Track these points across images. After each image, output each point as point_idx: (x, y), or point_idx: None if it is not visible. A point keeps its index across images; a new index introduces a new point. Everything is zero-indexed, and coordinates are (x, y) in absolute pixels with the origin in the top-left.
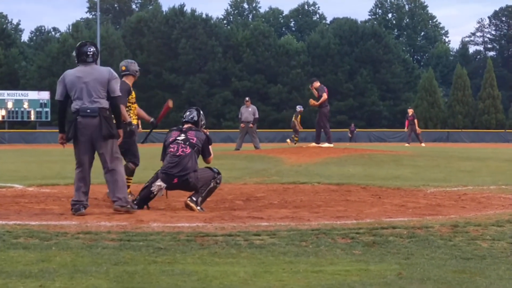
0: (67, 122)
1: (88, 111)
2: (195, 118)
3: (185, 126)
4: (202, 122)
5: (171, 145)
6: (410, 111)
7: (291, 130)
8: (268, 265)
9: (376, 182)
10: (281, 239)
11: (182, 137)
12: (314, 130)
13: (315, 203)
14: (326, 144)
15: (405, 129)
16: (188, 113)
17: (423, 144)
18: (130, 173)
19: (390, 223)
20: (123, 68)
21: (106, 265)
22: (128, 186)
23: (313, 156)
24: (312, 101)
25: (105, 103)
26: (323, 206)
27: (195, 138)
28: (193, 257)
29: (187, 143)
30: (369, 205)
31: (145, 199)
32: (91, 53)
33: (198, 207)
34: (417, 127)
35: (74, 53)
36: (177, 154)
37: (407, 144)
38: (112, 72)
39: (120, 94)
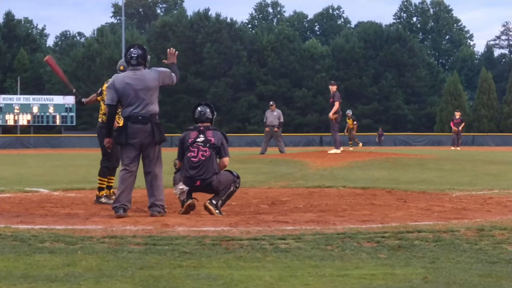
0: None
1: (140, 118)
2: (210, 116)
3: (202, 125)
4: (215, 116)
5: (190, 148)
6: (458, 114)
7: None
8: (294, 269)
9: (401, 186)
10: (307, 243)
11: (201, 138)
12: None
13: (341, 207)
14: (333, 150)
15: (452, 133)
16: (200, 109)
17: (458, 148)
18: (110, 173)
19: (415, 227)
20: (122, 68)
21: (132, 269)
22: (110, 187)
23: (338, 160)
24: (329, 115)
25: (155, 109)
26: (348, 210)
27: (213, 138)
28: (218, 261)
29: (207, 145)
30: (394, 209)
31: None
32: (135, 55)
33: (217, 211)
34: (459, 129)
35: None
36: (198, 158)
37: (456, 148)
38: (158, 71)
39: (176, 77)
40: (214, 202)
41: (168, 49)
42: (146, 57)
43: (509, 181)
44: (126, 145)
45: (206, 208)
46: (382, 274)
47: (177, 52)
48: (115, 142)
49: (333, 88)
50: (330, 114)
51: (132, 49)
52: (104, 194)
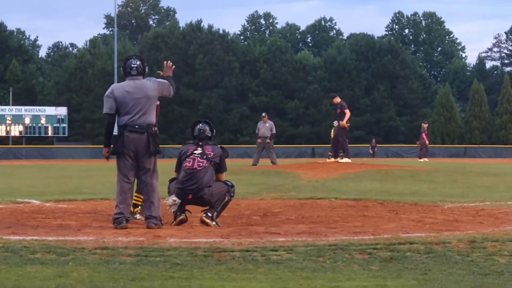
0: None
1: (137, 126)
2: (209, 134)
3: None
4: (214, 134)
5: (187, 159)
6: (425, 126)
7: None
8: (285, 281)
9: (393, 197)
10: (298, 255)
11: (199, 151)
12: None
13: (332, 219)
14: (345, 159)
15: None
16: (200, 126)
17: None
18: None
19: (407, 239)
20: None
21: (123, 281)
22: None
23: (330, 172)
24: (342, 124)
25: (152, 120)
26: (340, 221)
27: (212, 153)
28: (210, 272)
29: (204, 157)
30: (386, 221)
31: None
32: (135, 65)
33: (214, 222)
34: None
35: (121, 68)
36: (193, 167)
37: (421, 160)
38: (157, 81)
39: (173, 89)
40: (209, 214)
41: (165, 62)
42: (144, 68)
43: (501, 193)
44: (123, 154)
45: (203, 222)
46: (374, 285)
47: (173, 66)
48: (112, 152)
49: (336, 99)
50: (344, 122)
51: (131, 60)
52: (139, 211)
